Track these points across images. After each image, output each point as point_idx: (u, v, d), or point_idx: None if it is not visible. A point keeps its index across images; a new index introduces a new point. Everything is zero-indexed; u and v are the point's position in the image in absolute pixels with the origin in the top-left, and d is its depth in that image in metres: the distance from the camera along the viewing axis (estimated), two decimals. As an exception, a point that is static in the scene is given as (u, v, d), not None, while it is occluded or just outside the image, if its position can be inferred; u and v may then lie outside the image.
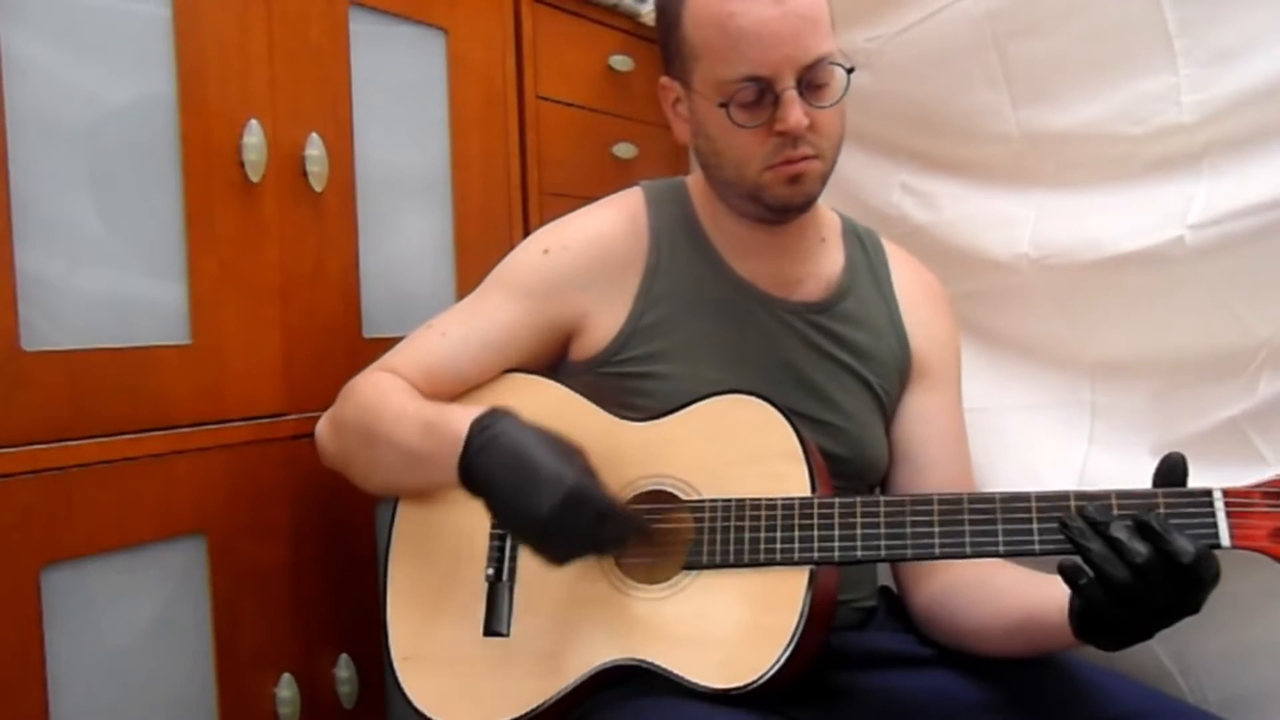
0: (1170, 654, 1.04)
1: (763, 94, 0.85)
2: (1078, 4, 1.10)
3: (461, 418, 0.82)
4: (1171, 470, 0.75)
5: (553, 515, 0.75)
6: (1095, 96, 1.10)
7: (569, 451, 0.79)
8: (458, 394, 0.94)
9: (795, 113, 0.84)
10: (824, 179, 0.91)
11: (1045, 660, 0.87)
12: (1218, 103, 1.01)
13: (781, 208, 0.91)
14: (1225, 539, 0.71)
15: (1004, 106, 1.18)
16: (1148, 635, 0.73)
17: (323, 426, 0.95)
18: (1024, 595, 0.83)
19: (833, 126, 0.89)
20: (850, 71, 0.87)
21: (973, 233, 1.23)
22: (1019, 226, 1.17)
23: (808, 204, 0.92)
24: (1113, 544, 0.69)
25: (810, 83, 0.85)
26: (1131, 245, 1.05)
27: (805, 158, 0.87)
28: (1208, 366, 1.02)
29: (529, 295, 0.94)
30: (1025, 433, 1.16)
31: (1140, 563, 0.68)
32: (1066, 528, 0.71)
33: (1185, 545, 0.68)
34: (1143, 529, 0.69)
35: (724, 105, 0.86)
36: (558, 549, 0.78)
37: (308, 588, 1.02)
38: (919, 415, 0.99)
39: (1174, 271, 1.02)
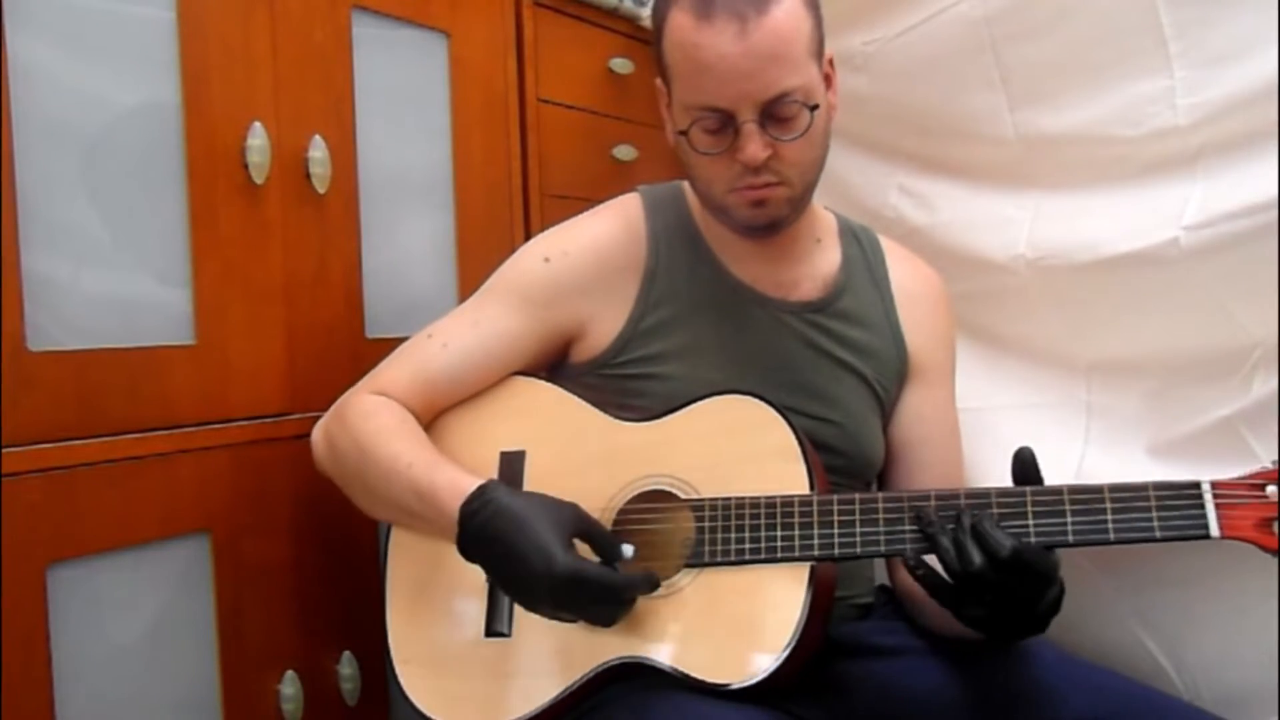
0: (1165, 651, 1.05)
1: (725, 123, 0.86)
2: (1074, 8, 1.11)
3: (450, 495, 0.82)
4: (1024, 467, 0.78)
5: (552, 601, 0.78)
6: (1091, 99, 1.11)
7: (558, 521, 0.79)
8: (459, 402, 0.95)
9: (752, 146, 0.85)
10: (793, 203, 0.91)
11: (1039, 655, 0.88)
12: (1212, 105, 1.01)
13: (747, 227, 0.91)
14: (1215, 530, 0.73)
15: (1001, 109, 1.19)
16: (1005, 630, 0.78)
17: (319, 440, 0.95)
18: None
19: (800, 156, 0.88)
20: (814, 110, 0.86)
21: (970, 234, 1.23)
22: (1016, 228, 1.18)
23: (774, 226, 0.92)
24: (957, 542, 0.74)
25: (773, 116, 0.85)
26: (1127, 246, 1.06)
27: (768, 185, 0.87)
28: (1202, 366, 1.02)
29: (530, 303, 0.95)
30: (1021, 432, 1.16)
31: (974, 569, 0.73)
32: (922, 521, 0.77)
33: (1002, 541, 0.73)
34: (974, 530, 0.74)
35: (683, 133, 0.87)
36: (568, 618, 0.81)
37: (311, 585, 1.02)
38: (916, 416, 1.00)
39: (1169, 272, 1.03)
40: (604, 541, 0.82)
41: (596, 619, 0.80)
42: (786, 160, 0.87)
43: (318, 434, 0.95)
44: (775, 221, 0.91)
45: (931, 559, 0.78)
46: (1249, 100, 0.99)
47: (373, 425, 0.90)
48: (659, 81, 0.95)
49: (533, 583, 0.77)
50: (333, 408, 0.95)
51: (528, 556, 0.77)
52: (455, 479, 0.84)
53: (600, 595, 0.78)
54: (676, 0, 0.86)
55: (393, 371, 0.95)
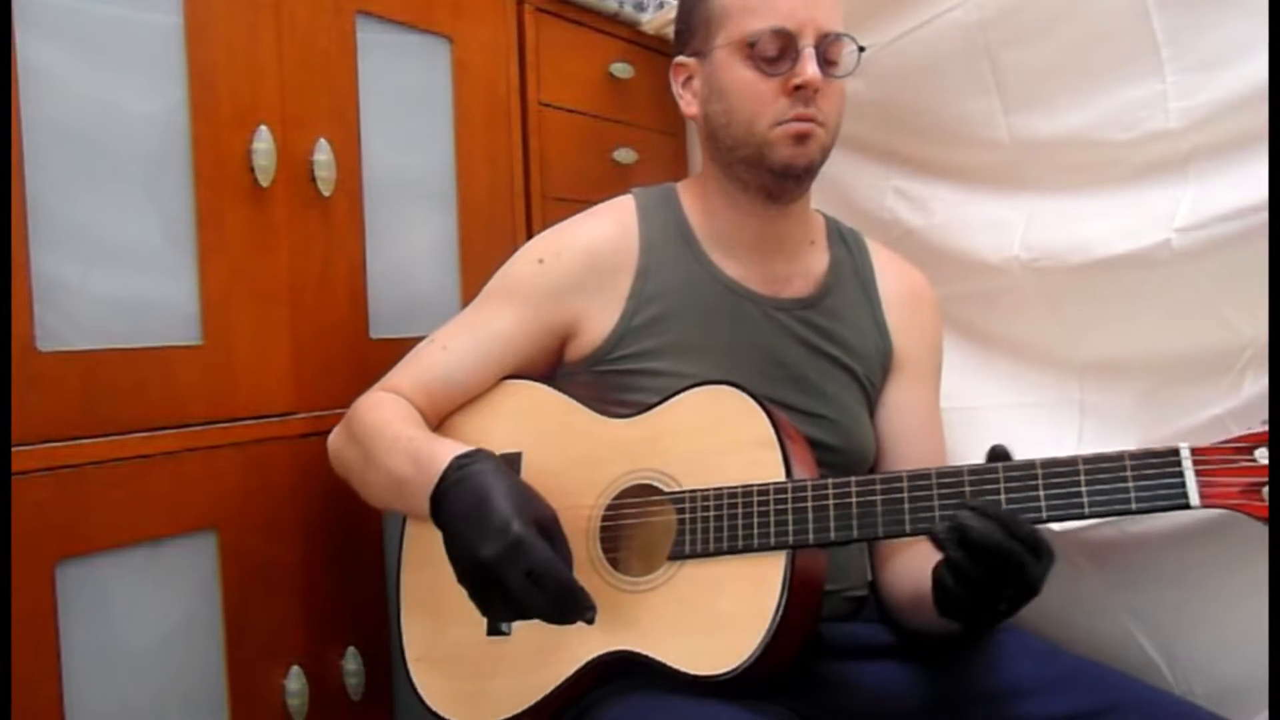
0: (1157, 646, 1.06)
1: (783, 50, 0.90)
2: (1068, 13, 1.12)
3: (446, 454, 0.83)
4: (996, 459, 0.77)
5: (490, 560, 0.74)
6: (1084, 103, 1.12)
7: (532, 508, 0.79)
8: (460, 404, 0.97)
9: (812, 66, 0.90)
10: (824, 151, 0.94)
11: (1031, 650, 0.89)
12: (1203, 109, 1.02)
13: (784, 168, 0.92)
14: (1194, 498, 0.70)
15: (995, 113, 1.20)
16: (995, 614, 0.75)
17: (332, 440, 0.98)
18: (919, 568, 0.85)
19: (837, 103, 0.94)
20: (862, 50, 0.93)
21: (964, 236, 1.24)
22: (1010, 230, 1.18)
23: (808, 170, 0.94)
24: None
25: (825, 53, 0.91)
26: (1120, 248, 1.07)
27: (813, 120, 0.91)
28: (1194, 366, 1.03)
29: (525, 303, 0.97)
30: (1016, 431, 1.17)
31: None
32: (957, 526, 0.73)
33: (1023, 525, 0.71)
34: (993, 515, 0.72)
35: (751, 44, 0.91)
36: (490, 597, 0.77)
37: (316, 582, 1.03)
38: (896, 410, 1.02)
39: (1161, 274, 1.04)
40: (563, 548, 0.80)
41: (527, 600, 0.75)
42: (830, 101, 0.92)
43: (331, 437, 0.98)
44: (810, 165, 0.94)
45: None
46: (1240, 104, 0.99)
47: (380, 413, 0.92)
48: (681, 59, 0.99)
49: (486, 537, 0.75)
50: (348, 414, 0.97)
51: (494, 513, 0.76)
52: (455, 445, 0.85)
53: (540, 576, 0.74)
54: None
55: (398, 377, 0.97)
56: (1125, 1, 1.06)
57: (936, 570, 0.75)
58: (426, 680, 0.90)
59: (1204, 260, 1.01)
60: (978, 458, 1.16)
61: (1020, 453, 1.17)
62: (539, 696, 0.85)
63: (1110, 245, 1.08)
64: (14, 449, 0.80)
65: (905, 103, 1.29)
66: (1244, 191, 0.98)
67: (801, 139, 0.91)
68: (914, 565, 0.89)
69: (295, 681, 1.00)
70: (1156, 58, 1.05)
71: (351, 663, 1.06)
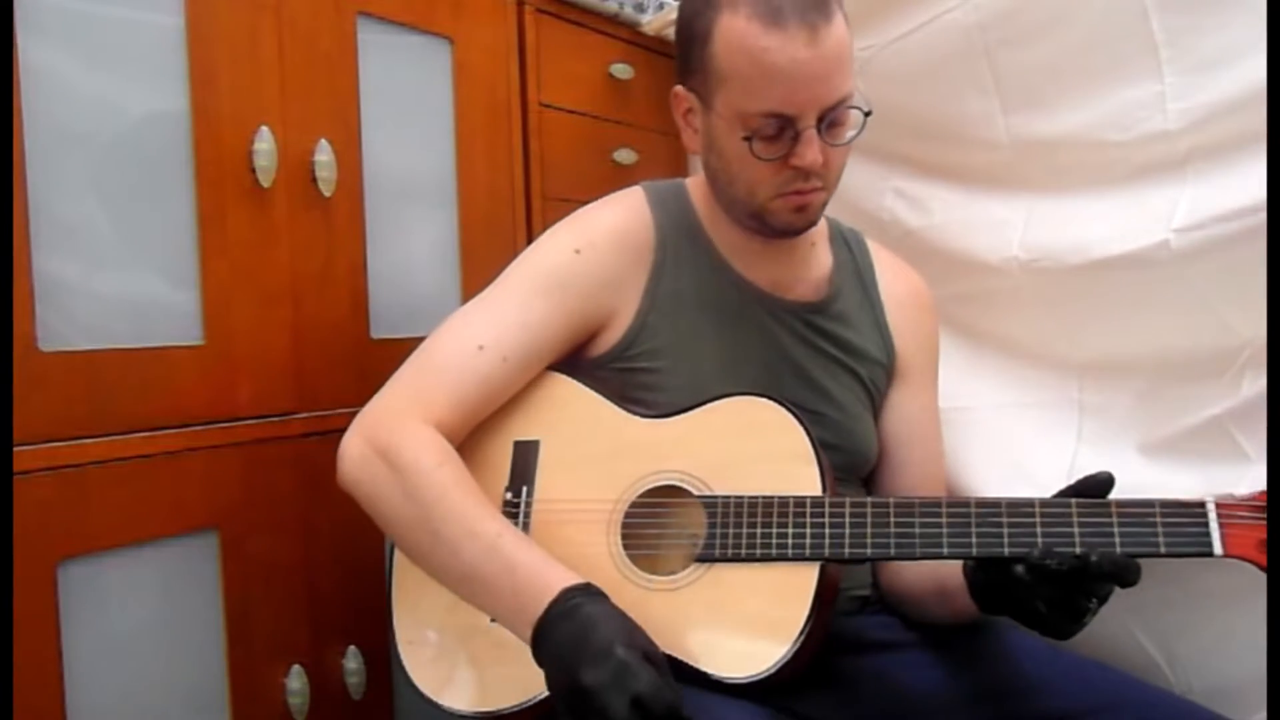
0: (1156, 645, 1.07)
1: (783, 129, 0.86)
2: (1067, 14, 1.12)
3: (552, 580, 0.77)
4: (1095, 487, 0.79)
5: (591, 686, 0.69)
6: (1083, 104, 1.12)
7: (641, 638, 0.73)
8: (499, 407, 0.92)
9: (813, 151, 0.86)
10: (825, 206, 0.94)
11: (1032, 647, 0.89)
12: (1201, 110, 1.03)
13: (783, 231, 0.93)
14: (1218, 548, 0.75)
15: (994, 114, 1.20)
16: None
17: (355, 459, 0.85)
18: (936, 565, 0.87)
19: (841, 161, 0.91)
20: (868, 115, 0.88)
21: (964, 236, 1.24)
22: (1009, 230, 1.19)
23: (808, 228, 0.94)
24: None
25: (830, 122, 0.86)
26: (1118, 248, 1.07)
27: (814, 190, 0.89)
28: (1192, 366, 1.04)
29: (570, 295, 0.93)
30: (1015, 431, 1.18)
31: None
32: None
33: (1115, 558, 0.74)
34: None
35: (748, 139, 0.86)
36: (614, 709, 0.69)
37: (317, 581, 1.04)
38: (900, 415, 1.02)
39: (1159, 274, 1.04)
40: (672, 685, 0.72)
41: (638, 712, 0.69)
42: (831, 165, 0.89)
43: (356, 461, 0.85)
44: (810, 225, 0.93)
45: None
46: (1237, 105, 1.00)
47: (443, 478, 0.83)
48: (682, 89, 0.93)
49: (581, 666, 0.70)
50: (377, 430, 0.86)
51: (597, 638, 0.71)
52: (555, 567, 0.79)
53: (648, 703, 0.68)
54: (729, 6, 0.85)
55: (444, 391, 0.88)
56: (1124, 3, 1.06)
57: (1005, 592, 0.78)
58: (417, 665, 0.88)
59: (1202, 261, 1.01)
60: (977, 457, 1.17)
61: (1016, 451, 1.19)
62: (545, 690, 0.84)
63: (1109, 246, 1.09)
64: (16, 449, 0.80)
65: (904, 104, 1.29)
66: (1241, 191, 0.98)
67: (802, 208, 0.90)
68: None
69: (296, 680, 1.00)
70: (1155, 59, 1.06)
71: (352, 662, 1.06)
